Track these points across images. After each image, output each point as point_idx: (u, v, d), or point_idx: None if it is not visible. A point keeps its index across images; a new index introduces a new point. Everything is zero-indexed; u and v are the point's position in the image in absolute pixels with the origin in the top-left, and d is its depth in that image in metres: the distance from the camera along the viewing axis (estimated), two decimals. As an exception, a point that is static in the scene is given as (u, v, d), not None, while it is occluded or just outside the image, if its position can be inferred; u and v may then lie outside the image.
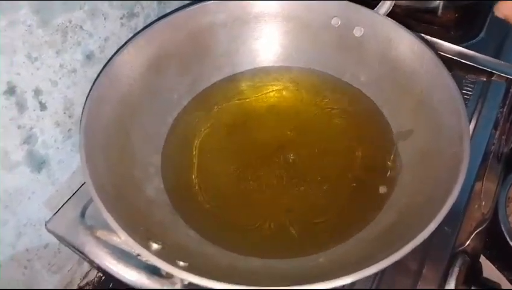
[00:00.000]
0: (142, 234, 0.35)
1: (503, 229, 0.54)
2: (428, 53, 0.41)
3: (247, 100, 0.50)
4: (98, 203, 0.35)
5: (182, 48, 0.50)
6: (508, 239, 0.54)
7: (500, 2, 0.43)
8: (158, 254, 0.31)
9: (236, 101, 0.50)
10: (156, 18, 0.55)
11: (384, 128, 0.45)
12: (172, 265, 0.30)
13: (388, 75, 0.45)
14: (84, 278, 0.58)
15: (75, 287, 0.58)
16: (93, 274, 0.59)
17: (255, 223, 0.41)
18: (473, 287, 0.39)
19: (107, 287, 0.58)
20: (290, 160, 0.44)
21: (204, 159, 0.46)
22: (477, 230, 0.53)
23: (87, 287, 0.59)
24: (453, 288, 0.38)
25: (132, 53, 0.46)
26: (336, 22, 0.47)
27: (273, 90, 0.50)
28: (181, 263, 0.31)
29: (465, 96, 0.50)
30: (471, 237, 0.51)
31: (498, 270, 0.55)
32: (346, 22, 0.46)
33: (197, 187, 0.44)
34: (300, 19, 0.48)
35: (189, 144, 0.47)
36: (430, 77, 0.41)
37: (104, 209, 0.34)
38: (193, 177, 0.44)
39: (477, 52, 0.54)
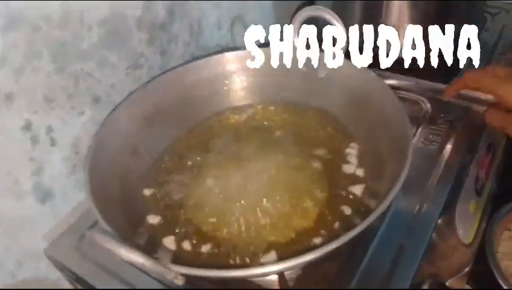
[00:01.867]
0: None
1: (492, 267, 0.57)
2: (378, 80, 0.52)
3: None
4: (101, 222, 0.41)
5: (171, 102, 0.60)
6: (497, 277, 0.57)
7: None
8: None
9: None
10: (159, 70, 0.65)
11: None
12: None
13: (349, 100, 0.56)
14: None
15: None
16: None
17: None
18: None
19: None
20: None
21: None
22: (464, 271, 0.58)
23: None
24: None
25: (129, 107, 0.56)
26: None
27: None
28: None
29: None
30: (456, 276, 0.56)
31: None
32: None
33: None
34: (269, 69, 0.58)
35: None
36: (381, 97, 0.52)
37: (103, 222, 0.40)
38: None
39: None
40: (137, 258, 0.33)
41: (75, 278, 0.51)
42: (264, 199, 0.49)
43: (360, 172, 0.53)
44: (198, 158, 0.56)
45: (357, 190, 0.50)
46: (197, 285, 0.46)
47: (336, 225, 0.48)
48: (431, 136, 0.59)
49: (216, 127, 0.61)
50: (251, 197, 0.50)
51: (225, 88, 0.62)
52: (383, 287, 0.44)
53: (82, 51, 0.54)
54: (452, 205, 0.53)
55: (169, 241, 0.47)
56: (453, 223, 0.53)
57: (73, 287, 0.57)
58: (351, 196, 0.50)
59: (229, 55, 0.61)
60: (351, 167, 0.53)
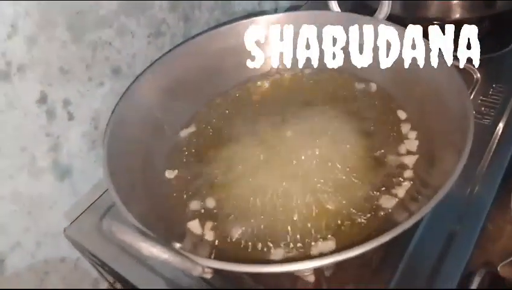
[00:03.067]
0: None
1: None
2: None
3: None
4: (120, 206, 0.37)
5: (194, 73, 0.55)
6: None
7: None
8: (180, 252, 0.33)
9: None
10: (183, 37, 0.61)
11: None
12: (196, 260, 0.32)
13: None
14: (99, 299, 0.61)
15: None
16: (108, 296, 0.61)
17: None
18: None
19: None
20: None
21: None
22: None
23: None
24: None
25: (150, 79, 0.51)
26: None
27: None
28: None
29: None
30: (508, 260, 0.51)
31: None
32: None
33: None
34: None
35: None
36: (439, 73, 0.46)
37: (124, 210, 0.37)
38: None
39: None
40: (160, 253, 0.30)
41: (96, 260, 0.49)
42: (304, 180, 0.45)
43: (412, 158, 0.47)
44: (225, 132, 0.52)
45: (408, 173, 0.45)
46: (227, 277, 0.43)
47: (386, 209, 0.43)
48: (483, 108, 0.53)
49: (244, 97, 0.57)
50: (290, 176, 0.45)
51: (252, 56, 0.56)
52: (428, 283, 0.40)
53: (100, 18, 0.51)
54: (507, 187, 0.48)
55: (194, 226, 0.43)
56: (508, 206, 0.47)
57: (94, 268, 0.56)
58: (402, 180, 0.45)
59: (257, 20, 0.55)
60: (403, 148, 0.47)
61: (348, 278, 0.42)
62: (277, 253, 0.40)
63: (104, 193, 0.54)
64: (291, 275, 0.42)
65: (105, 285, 0.60)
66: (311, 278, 0.41)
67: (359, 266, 0.42)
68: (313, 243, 0.40)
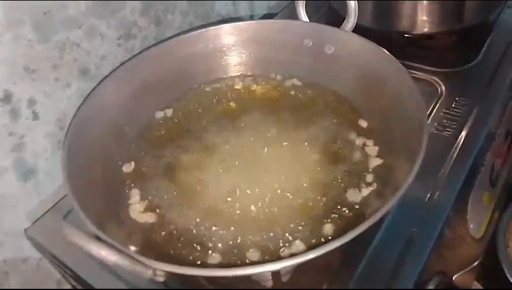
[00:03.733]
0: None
1: (502, 262, 0.55)
2: (390, 58, 0.48)
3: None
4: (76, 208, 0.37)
5: (161, 76, 0.55)
6: (507, 273, 0.54)
7: None
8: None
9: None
10: (154, 41, 0.61)
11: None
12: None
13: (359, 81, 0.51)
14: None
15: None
16: (71, 298, 0.61)
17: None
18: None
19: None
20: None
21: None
22: (472, 265, 0.55)
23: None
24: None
25: (116, 81, 0.51)
26: (307, 42, 0.54)
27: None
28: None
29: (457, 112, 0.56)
30: (464, 270, 0.53)
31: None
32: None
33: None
34: (274, 40, 0.55)
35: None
36: (394, 78, 0.47)
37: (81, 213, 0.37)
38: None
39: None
40: (109, 255, 0.30)
41: (57, 262, 0.48)
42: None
43: (373, 160, 0.48)
44: (185, 134, 0.52)
45: (369, 177, 0.46)
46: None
47: (346, 211, 0.44)
48: (445, 121, 0.55)
49: (208, 101, 0.57)
50: (242, 175, 0.46)
51: (222, 63, 0.57)
52: (385, 284, 0.41)
53: (68, 19, 0.51)
54: (465, 195, 0.50)
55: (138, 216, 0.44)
56: (465, 215, 0.49)
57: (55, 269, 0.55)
58: (361, 183, 0.46)
59: (228, 28, 0.56)
60: (363, 153, 0.48)
61: (307, 281, 0.43)
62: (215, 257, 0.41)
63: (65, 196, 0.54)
64: (247, 278, 0.42)
65: (68, 286, 0.60)
66: (269, 284, 0.42)
67: (318, 269, 0.43)
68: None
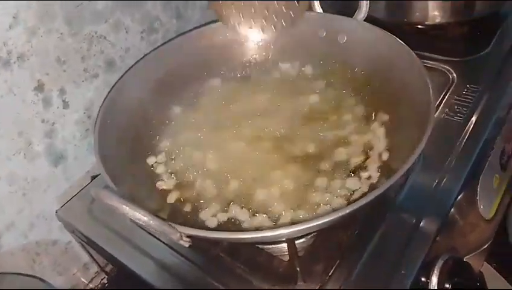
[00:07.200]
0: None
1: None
2: (402, 47, 0.50)
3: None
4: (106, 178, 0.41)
5: (183, 67, 0.59)
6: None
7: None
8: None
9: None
10: (175, 34, 0.65)
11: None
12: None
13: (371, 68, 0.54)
14: (89, 283, 0.64)
15: (79, 294, 0.63)
16: (98, 281, 0.64)
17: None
18: (456, 279, 0.43)
19: (111, 293, 0.63)
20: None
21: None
22: (483, 247, 0.56)
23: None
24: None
25: (141, 72, 0.55)
26: (321, 32, 0.57)
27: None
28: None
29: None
30: (475, 252, 0.55)
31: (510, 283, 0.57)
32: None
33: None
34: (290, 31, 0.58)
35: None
36: (405, 66, 0.49)
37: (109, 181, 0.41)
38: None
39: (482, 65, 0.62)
40: (141, 216, 0.33)
41: (86, 241, 0.52)
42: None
43: (382, 140, 0.51)
44: (211, 119, 0.56)
45: (377, 156, 0.49)
46: (205, 249, 0.47)
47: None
48: (456, 107, 0.57)
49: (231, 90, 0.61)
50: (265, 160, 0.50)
51: (240, 53, 0.61)
52: (396, 260, 0.44)
53: (96, 13, 0.55)
54: (474, 179, 0.52)
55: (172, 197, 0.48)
56: (475, 198, 0.51)
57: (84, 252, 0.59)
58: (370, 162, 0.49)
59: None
60: (373, 135, 0.51)
61: (319, 257, 0.45)
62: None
63: (94, 178, 0.58)
64: (266, 253, 0.46)
65: (95, 269, 0.63)
66: (285, 257, 0.45)
67: (330, 247, 0.46)
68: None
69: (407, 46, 0.50)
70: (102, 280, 0.65)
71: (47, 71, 0.52)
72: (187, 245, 0.36)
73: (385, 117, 0.51)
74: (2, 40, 0.47)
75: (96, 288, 0.64)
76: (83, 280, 0.64)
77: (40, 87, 0.52)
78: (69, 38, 0.53)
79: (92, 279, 0.64)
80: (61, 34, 0.52)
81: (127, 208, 0.32)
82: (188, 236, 0.36)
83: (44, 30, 0.50)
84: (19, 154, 0.51)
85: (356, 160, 0.49)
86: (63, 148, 0.56)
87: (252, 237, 0.36)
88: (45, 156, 0.54)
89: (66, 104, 0.55)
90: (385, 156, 0.49)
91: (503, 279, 0.58)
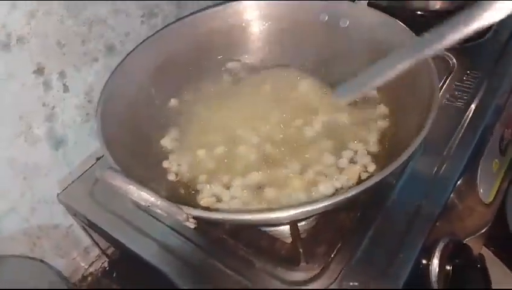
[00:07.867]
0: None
1: (511, 228, 0.57)
2: (404, 29, 0.50)
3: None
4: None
5: (183, 51, 0.59)
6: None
7: None
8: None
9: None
10: (175, 19, 0.64)
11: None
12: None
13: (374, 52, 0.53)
14: (89, 267, 0.64)
15: (79, 277, 0.64)
16: (98, 265, 0.65)
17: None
18: (457, 260, 0.44)
19: (111, 277, 0.63)
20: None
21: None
22: (482, 231, 0.57)
23: (91, 277, 0.64)
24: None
25: (141, 55, 0.55)
26: (323, 16, 0.57)
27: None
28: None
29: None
30: (474, 236, 0.56)
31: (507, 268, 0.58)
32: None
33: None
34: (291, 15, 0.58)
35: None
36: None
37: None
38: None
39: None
40: (148, 197, 0.33)
41: (88, 223, 0.52)
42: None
43: (385, 124, 0.51)
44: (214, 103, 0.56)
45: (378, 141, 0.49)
46: (208, 231, 0.47)
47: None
48: (457, 92, 0.57)
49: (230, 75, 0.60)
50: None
51: (241, 38, 0.60)
52: (397, 243, 0.44)
53: (95, -4, 0.54)
54: (474, 163, 0.52)
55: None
56: (474, 182, 0.52)
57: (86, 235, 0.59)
58: (373, 148, 0.49)
59: (248, 3, 0.59)
60: (375, 120, 0.52)
61: (321, 239, 0.46)
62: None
63: (96, 162, 0.58)
64: (269, 235, 0.46)
65: (95, 253, 0.64)
66: (288, 239, 0.45)
67: (332, 230, 0.46)
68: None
69: (411, 31, 0.50)
70: (103, 263, 0.65)
71: (47, 54, 0.51)
72: (193, 227, 0.36)
73: (387, 101, 0.51)
74: (0, 22, 0.46)
75: (96, 272, 0.65)
76: (82, 264, 0.64)
77: (40, 70, 0.51)
78: (69, 20, 0.53)
79: (93, 263, 0.65)
80: (61, 16, 0.52)
81: (134, 188, 0.32)
82: (194, 217, 0.36)
83: (43, 12, 0.50)
84: (20, 138, 0.51)
85: (358, 145, 0.50)
86: (63, 132, 0.56)
87: (259, 218, 0.37)
88: (46, 140, 0.54)
89: (66, 88, 0.54)
90: (387, 141, 0.49)
91: (501, 263, 0.59)
